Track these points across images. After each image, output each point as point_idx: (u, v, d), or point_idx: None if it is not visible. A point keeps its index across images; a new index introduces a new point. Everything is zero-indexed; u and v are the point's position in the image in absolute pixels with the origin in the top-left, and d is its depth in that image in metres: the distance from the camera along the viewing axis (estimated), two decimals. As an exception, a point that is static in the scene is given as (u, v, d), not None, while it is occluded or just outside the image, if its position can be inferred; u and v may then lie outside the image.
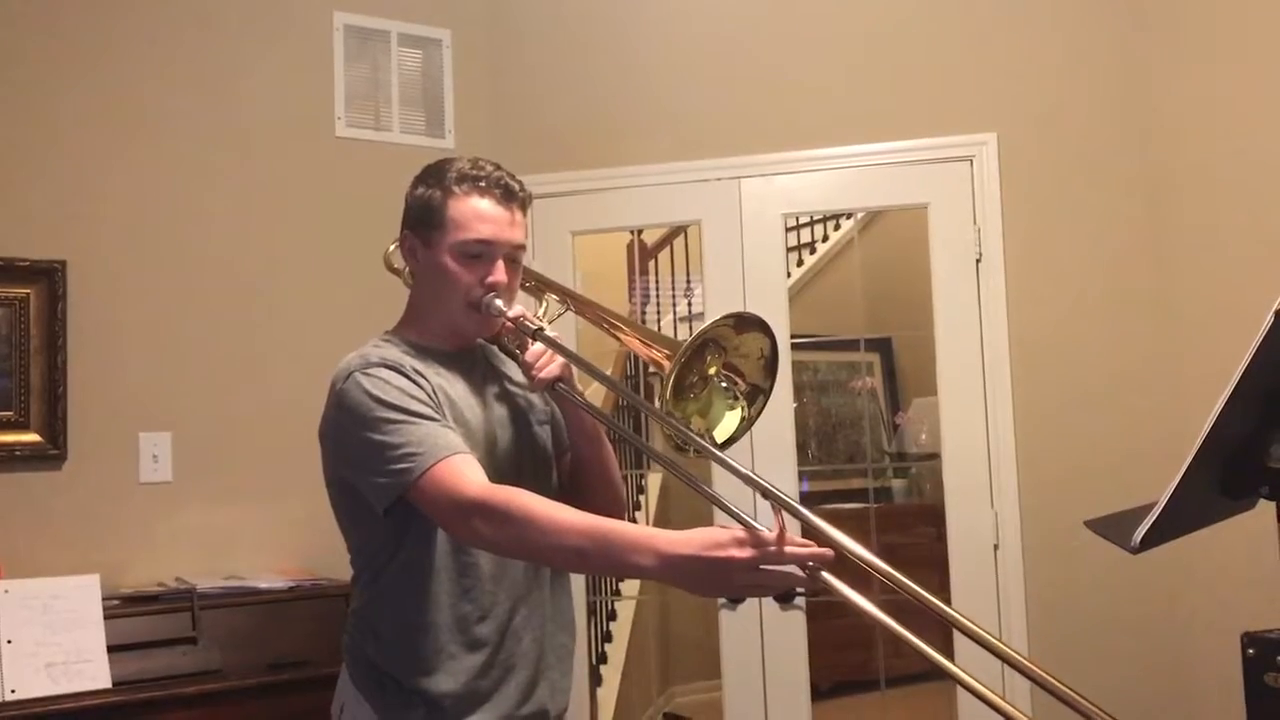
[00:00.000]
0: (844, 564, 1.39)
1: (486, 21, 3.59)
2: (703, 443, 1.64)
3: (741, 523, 1.42)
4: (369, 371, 1.73)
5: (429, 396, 1.73)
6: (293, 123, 3.29)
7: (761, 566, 1.37)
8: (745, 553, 1.37)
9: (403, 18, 3.46)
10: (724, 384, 1.77)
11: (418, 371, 1.76)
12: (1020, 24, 3.27)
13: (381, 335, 1.88)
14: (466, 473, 1.63)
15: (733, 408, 1.77)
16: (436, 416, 1.71)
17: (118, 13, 3.08)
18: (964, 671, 1.36)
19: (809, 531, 1.43)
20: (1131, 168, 3.19)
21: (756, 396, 1.78)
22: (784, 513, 1.39)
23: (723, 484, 1.81)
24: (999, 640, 1.38)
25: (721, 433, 1.76)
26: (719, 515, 3.41)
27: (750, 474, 1.48)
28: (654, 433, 5.37)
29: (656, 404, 1.85)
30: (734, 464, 1.53)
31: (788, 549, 1.37)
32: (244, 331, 3.16)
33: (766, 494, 1.44)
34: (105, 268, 3.00)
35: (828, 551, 1.38)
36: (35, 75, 2.97)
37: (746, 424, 1.77)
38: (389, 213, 2.13)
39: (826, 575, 1.38)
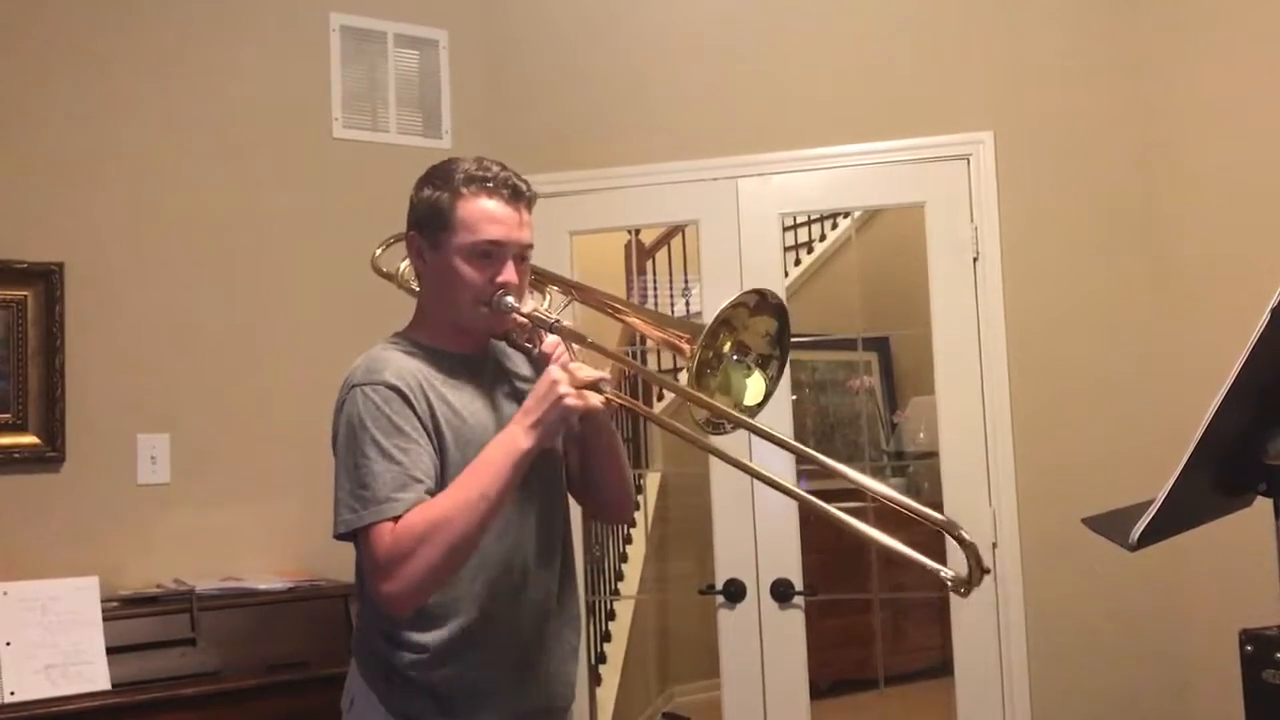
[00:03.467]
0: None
1: (483, 22, 3.59)
2: (741, 418, 1.73)
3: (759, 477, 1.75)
4: (367, 391, 1.75)
5: (421, 422, 1.76)
6: (289, 124, 3.28)
7: (570, 386, 1.70)
8: (560, 375, 1.71)
9: (399, 18, 3.46)
10: (736, 357, 1.81)
11: (422, 388, 1.78)
12: (1017, 22, 3.27)
13: (390, 337, 1.89)
14: (386, 540, 1.68)
15: (749, 374, 1.82)
16: (415, 451, 1.73)
17: (113, 14, 3.07)
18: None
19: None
20: (1129, 166, 3.19)
21: (769, 362, 1.83)
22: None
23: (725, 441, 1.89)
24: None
25: (751, 398, 1.81)
26: (717, 506, 3.39)
27: (795, 444, 1.74)
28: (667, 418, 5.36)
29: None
30: (778, 434, 1.71)
31: (573, 365, 1.74)
32: (242, 333, 3.16)
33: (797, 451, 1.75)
34: (103, 270, 3.00)
35: (604, 375, 1.75)
36: (31, 77, 2.97)
37: (771, 383, 1.82)
38: (387, 213, 2.14)
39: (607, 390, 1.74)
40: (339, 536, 1.75)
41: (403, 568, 1.65)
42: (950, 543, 1.49)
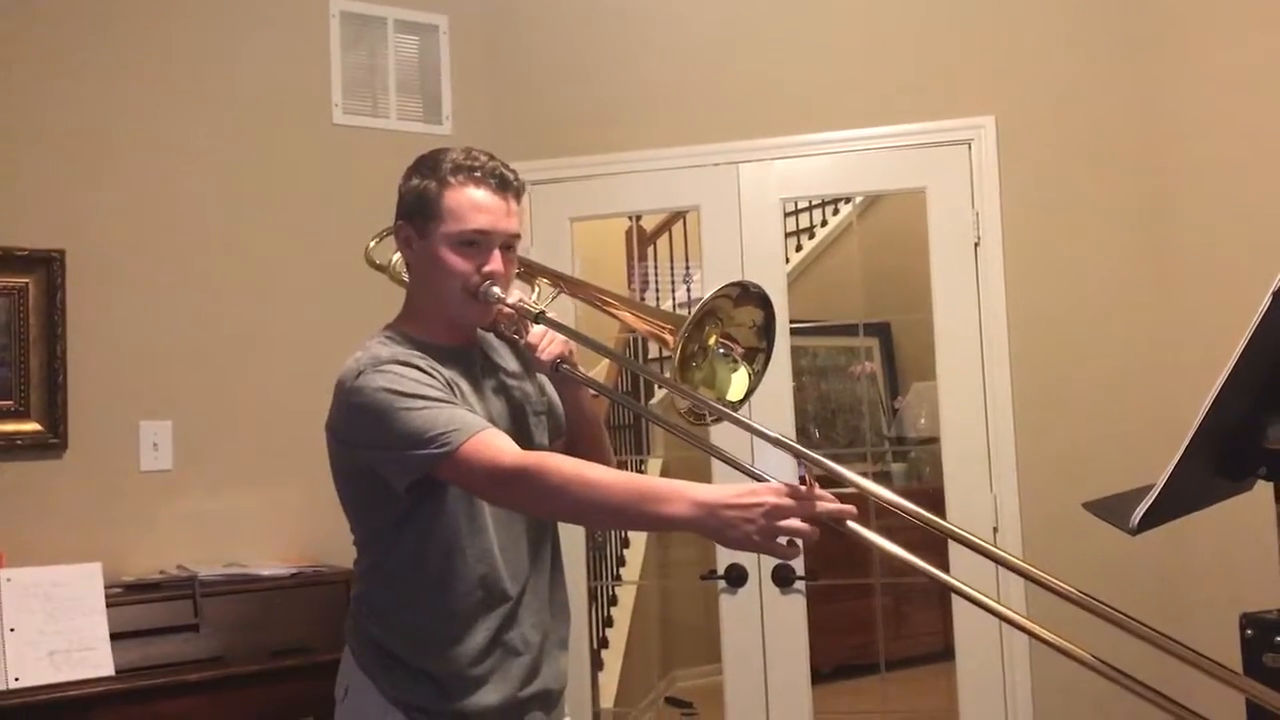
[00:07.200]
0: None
1: (483, 7, 3.58)
2: (723, 409, 1.71)
3: (757, 479, 1.56)
4: (381, 368, 1.74)
5: (444, 386, 1.76)
6: (289, 110, 3.28)
7: (783, 522, 1.46)
8: (782, 499, 1.46)
9: (399, 4, 3.45)
10: (722, 350, 1.81)
11: (431, 365, 1.77)
12: (1019, 6, 3.26)
13: (382, 331, 1.89)
14: (499, 443, 1.67)
15: (735, 368, 1.82)
16: (455, 401, 1.74)
17: (114, 2, 3.06)
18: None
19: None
20: (1131, 150, 3.18)
21: (755, 356, 1.83)
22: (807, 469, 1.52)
23: (726, 443, 1.90)
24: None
25: (735, 393, 1.81)
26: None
27: (778, 436, 1.61)
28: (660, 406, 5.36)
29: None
30: (759, 427, 1.64)
31: (818, 504, 1.47)
32: (243, 319, 3.16)
33: (799, 454, 1.58)
34: (103, 256, 2.99)
35: (851, 509, 1.48)
36: (31, 64, 2.96)
37: (755, 378, 1.83)
38: (387, 200, 2.13)
39: (852, 524, 1.48)
40: (409, 488, 1.71)
41: (514, 485, 1.62)
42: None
